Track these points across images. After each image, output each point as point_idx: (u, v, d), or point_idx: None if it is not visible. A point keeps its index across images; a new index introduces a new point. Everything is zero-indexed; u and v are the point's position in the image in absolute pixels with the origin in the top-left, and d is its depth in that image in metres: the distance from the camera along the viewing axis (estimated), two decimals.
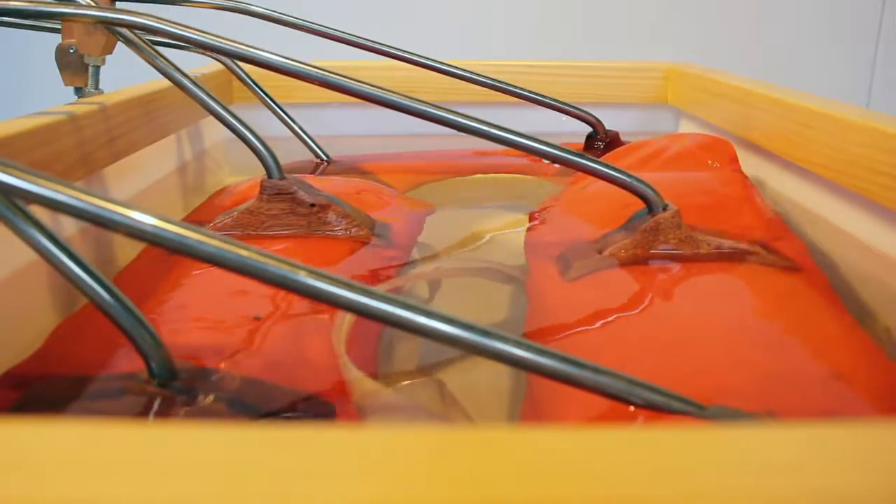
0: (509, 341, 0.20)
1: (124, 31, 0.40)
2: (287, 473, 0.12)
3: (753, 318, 0.30)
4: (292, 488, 0.11)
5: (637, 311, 0.31)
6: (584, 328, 0.30)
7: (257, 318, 0.30)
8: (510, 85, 0.58)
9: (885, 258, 0.37)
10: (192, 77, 0.41)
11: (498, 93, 0.59)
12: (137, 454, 0.12)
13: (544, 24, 1.05)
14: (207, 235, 0.20)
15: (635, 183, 0.36)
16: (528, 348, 0.20)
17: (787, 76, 0.80)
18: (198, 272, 0.35)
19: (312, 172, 0.58)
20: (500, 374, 0.30)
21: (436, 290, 0.37)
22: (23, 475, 0.12)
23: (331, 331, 0.30)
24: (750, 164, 0.54)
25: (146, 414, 0.22)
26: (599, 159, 0.37)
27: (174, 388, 0.23)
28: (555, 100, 0.60)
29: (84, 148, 0.40)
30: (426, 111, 0.36)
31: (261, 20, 0.57)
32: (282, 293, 0.32)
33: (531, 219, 0.46)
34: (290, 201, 0.39)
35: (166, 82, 0.56)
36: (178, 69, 0.41)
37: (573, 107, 0.61)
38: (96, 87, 0.52)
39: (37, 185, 0.20)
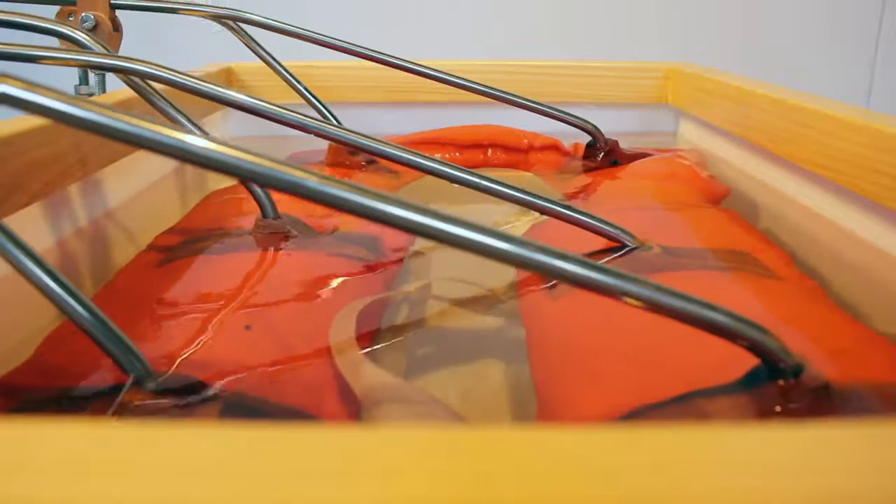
0: (556, 255, 0.20)
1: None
2: (287, 473, 0.12)
3: (748, 311, 0.30)
4: (292, 488, 0.11)
5: (624, 322, 0.31)
6: (580, 339, 0.30)
7: (248, 329, 0.29)
8: (509, 94, 0.58)
9: (885, 257, 0.37)
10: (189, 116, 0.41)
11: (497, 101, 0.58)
12: (137, 454, 0.12)
13: (544, 24, 1.05)
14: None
15: (615, 231, 0.36)
16: (579, 263, 0.20)
17: (787, 76, 0.80)
18: (191, 276, 0.35)
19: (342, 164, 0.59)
20: (499, 379, 0.30)
21: (425, 304, 0.36)
22: (23, 475, 0.12)
23: (327, 332, 0.30)
24: (750, 164, 0.54)
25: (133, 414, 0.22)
26: (574, 206, 0.36)
27: (158, 399, 0.23)
28: (553, 108, 0.59)
29: (83, 148, 0.40)
30: (416, 162, 0.36)
31: (258, 28, 0.57)
32: (272, 302, 0.32)
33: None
34: (284, 241, 0.38)
35: None
36: (172, 105, 0.41)
37: (571, 115, 0.60)
38: (104, 92, 0.52)
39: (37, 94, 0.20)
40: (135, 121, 0.20)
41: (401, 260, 0.39)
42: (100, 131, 0.20)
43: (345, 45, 0.57)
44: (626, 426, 0.13)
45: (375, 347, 0.31)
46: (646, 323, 0.31)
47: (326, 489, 0.11)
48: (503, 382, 0.30)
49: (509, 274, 0.39)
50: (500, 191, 0.35)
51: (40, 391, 0.26)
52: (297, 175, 0.20)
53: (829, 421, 0.21)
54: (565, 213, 0.36)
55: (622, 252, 0.36)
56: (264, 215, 0.39)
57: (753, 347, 0.21)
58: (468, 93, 0.67)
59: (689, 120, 0.71)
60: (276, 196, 0.41)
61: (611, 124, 0.69)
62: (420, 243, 0.42)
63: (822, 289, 0.35)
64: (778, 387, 0.21)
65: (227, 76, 0.70)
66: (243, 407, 0.24)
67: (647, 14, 1.05)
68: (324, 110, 0.61)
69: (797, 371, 0.21)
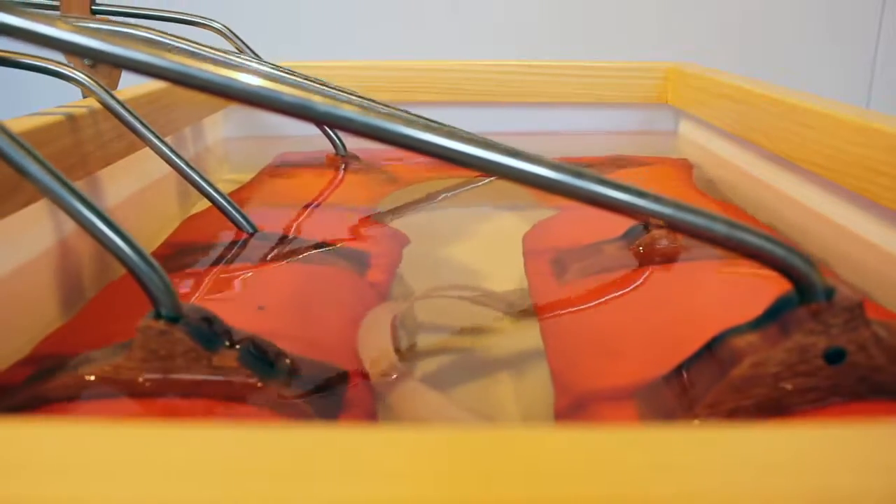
0: (603, 183, 0.20)
1: (85, 80, 0.40)
2: (287, 473, 0.12)
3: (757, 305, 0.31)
4: (292, 488, 0.11)
5: (639, 304, 0.32)
6: (595, 322, 0.30)
7: (261, 309, 0.30)
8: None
9: (885, 256, 0.37)
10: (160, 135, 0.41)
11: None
12: (137, 454, 0.12)
13: (544, 24, 1.05)
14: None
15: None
16: (599, 182, 0.20)
17: (786, 76, 0.80)
18: (203, 266, 0.35)
19: (329, 166, 0.58)
20: (513, 386, 0.30)
21: (429, 312, 0.36)
22: (23, 475, 0.12)
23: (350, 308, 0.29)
24: (750, 164, 0.55)
25: (154, 352, 0.22)
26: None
27: (182, 328, 0.23)
28: None
29: (84, 148, 0.40)
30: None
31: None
32: (287, 286, 0.33)
33: (525, 239, 0.45)
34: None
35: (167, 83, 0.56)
36: (148, 128, 0.40)
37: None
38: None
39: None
40: (142, 47, 0.19)
41: (392, 272, 0.39)
42: (107, 60, 0.19)
43: (350, 98, 0.56)
44: (626, 426, 0.13)
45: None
46: (660, 299, 0.31)
47: (326, 489, 0.11)
48: (517, 389, 0.30)
49: (509, 273, 0.39)
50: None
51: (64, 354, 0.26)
52: (304, 97, 0.19)
53: (829, 420, 0.21)
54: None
55: (640, 230, 0.36)
56: (242, 232, 0.39)
57: (782, 268, 0.20)
58: (484, 90, 0.65)
59: (689, 120, 0.71)
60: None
61: (611, 124, 0.69)
62: (411, 256, 0.42)
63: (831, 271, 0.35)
64: (809, 310, 0.20)
65: None
66: (263, 354, 0.24)
67: (647, 14, 1.05)
68: (333, 136, 0.60)
69: (829, 293, 0.20)
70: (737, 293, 0.31)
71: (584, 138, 0.71)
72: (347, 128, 0.20)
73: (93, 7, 0.52)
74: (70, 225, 0.38)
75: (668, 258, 0.35)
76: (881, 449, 0.13)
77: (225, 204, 0.39)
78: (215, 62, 0.20)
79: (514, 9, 1.04)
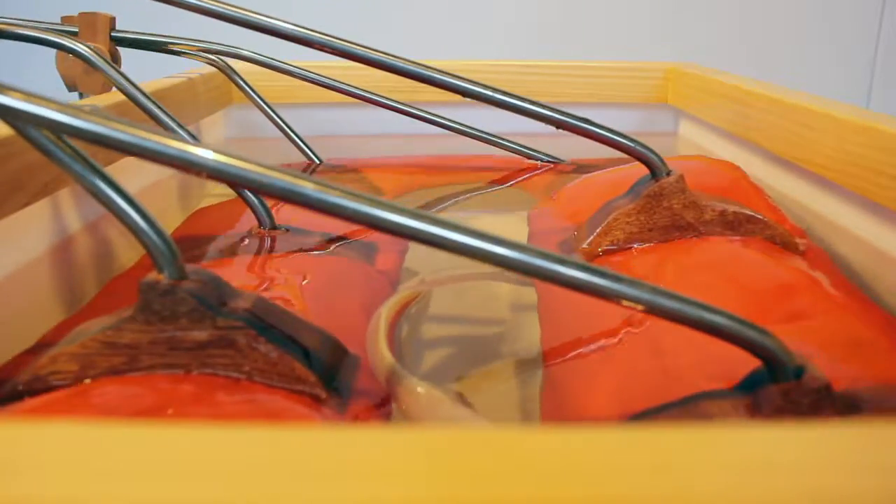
0: (554, 259, 0.20)
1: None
2: (286, 473, 0.12)
3: (765, 288, 0.30)
4: (291, 488, 0.11)
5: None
6: (593, 311, 0.30)
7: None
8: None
9: (885, 257, 0.37)
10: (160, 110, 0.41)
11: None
12: (137, 454, 0.12)
13: (544, 24, 1.05)
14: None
15: (639, 148, 0.36)
16: (577, 266, 0.20)
17: (787, 76, 0.80)
18: (214, 258, 0.35)
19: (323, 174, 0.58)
20: (512, 379, 0.30)
21: (433, 301, 0.36)
22: (23, 475, 0.12)
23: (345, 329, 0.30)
24: (750, 164, 0.54)
25: (157, 313, 0.22)
26: (602, 125, 0.37)
27: (185, 288, 0.23)
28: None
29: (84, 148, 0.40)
30: (421, 73, 0.36)
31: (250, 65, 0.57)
32: (299, 274, 0.33)
33: (530, 218, 0.45)
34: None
35: (167, 82, 0.56)
36: (160, 107, 0.40)
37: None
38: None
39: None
40: (131, 129, 0.20)
41: (400, 259, 0.39)
42: (97, 141, 0.20)
43: (345, 86, 0.56)
44: (627, 426, 0.13)
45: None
46: (669, 286, 0.31)
47: (326, 489, 0.11)
48: (516, 383, 0.30)
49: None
50: (535, 111, 0.36)
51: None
52: (294, 182, 0.20)
53: (829, 421, 0.21)
54: (599, 133, 0.36)
55: (648, 180, 0.36)
56: (261, 224, 0.40)
57: (753, 349, 0.21)
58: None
59: (689, 120, 0.71)
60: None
61: (611, 124, 0.69)
62: (415, 253, 0.42)
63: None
64: (780, 388, 0.21)
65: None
66: (269, 321, 0.24)
67: (648, 14, 1.05)
68: (308, 151, 0.60)
69: (798, 372, 0.21)
70: (745, 274, 0.31)
71: (585, 139, 0.71)
72: (339, 215, 0.20)
73: (112, 34, 0.52)
74: (69, 225, 0.38)
75: (677, 214, 0.35)
76: (881, 449, 0.13)
77: (249, 195, 0.40)
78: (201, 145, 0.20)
79: (514, 9, 1.05)
